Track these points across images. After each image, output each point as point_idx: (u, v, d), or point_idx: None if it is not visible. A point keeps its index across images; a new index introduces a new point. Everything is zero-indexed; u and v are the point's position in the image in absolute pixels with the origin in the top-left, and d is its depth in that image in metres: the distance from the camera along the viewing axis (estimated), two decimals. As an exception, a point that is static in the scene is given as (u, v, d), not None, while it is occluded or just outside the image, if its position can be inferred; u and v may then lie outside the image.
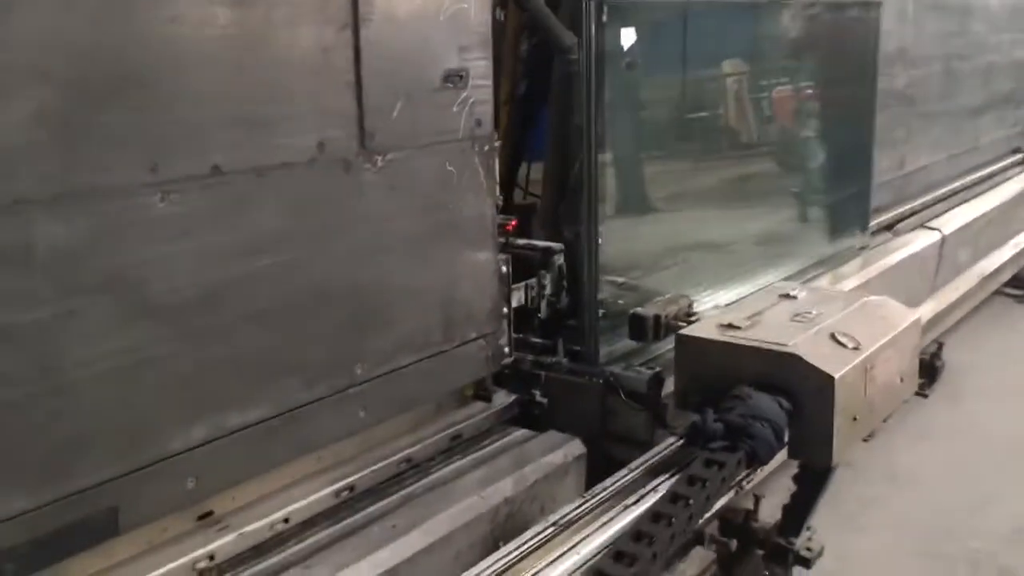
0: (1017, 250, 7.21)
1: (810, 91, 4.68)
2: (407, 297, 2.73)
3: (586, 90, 3.05)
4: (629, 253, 3.73)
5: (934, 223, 5.95)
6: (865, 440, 2.92)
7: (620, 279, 3.63)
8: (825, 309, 3.03)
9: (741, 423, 2.51)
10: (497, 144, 2.98)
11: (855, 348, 2.77)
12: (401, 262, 2.69)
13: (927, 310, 5.81)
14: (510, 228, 3.38)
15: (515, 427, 3.17)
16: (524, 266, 3.42)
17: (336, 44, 2.40)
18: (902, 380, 3.01)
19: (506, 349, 3.13)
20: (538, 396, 3.21)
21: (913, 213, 6.00)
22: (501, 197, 3.08)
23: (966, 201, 6.62)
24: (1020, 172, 7.72)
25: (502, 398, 3.20)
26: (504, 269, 3.09)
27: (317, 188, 2.41)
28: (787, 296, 3.18)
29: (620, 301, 3.40)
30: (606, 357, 3.36)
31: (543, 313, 3.34)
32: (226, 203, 2.21)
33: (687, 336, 2.92)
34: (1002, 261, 6.95)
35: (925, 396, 5.95)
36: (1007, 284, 7.67)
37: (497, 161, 2.99)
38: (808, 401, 2.63)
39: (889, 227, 5.75)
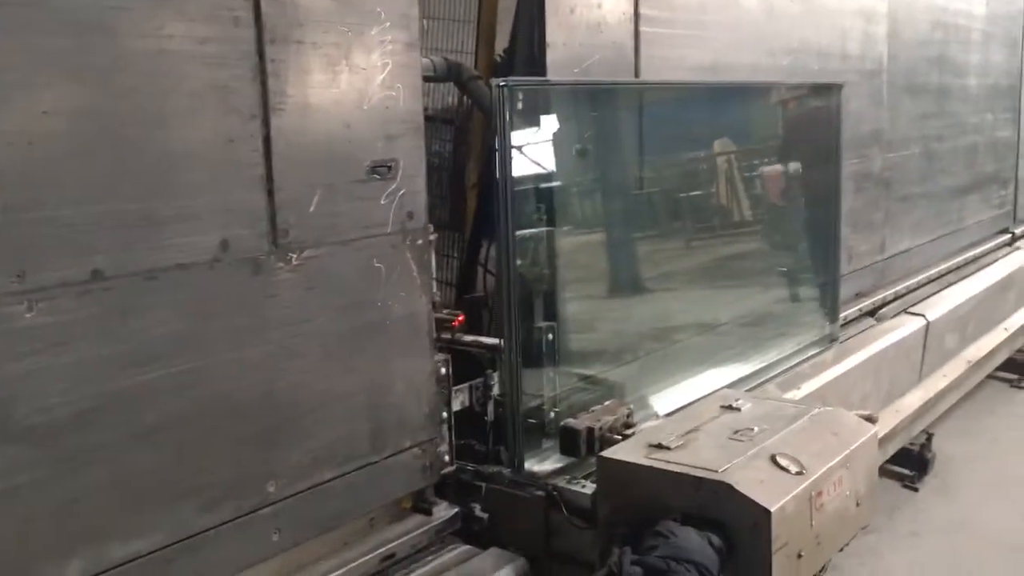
0: (1008, 334, 6.99)
1: (769, 175, 4.53)
2: (328, 406, 2.50)
3: (500, 176, 2.86)
4: (590, 344, 3.55)
5: (918, 308, 5.75)
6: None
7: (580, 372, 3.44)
8: (769, 424, 2.77)
9: (662, 567, 2.23)
10: (433, 237, 2.79)
11: (798, 473, 2.50)
12: (321, 368, 2.47)
13: (914, 399, 5.59)
14: (456, 324, 3.18)
15: (457, 542, 2.91)
16: (475, 365, 3.21)
17: (242, 135, 2.22)
18: (858, 504, 2.72)
19: (446, 457, 2.89)
20: (478, 510, 2.94)
21: (897, 298, 5.81)
22: (437, 293, 2.87)
23: (952, 284, 6.43)
24: (1010, 253, 7.56)
25: (443, 511, 2.93)
26: (443, 371, 2.86)
27: (220, 291, 2.21)
28: (729, 408, 2.92)
29: (551, 410, 3.15)
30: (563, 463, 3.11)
31: (490, 416, 3.10)
32: (109, 311, 2.00)
33: (609, 459, 2.65)
34: (993, 345, 6.72)
35: (915, 489, 5.70)
36: (1001, 368, 7.45)
37: (433, 255, 2.79)
38: (742, 537, 2.35)
39: (872, 313, 5.55)
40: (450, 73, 3.38)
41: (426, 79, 3.14)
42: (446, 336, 3.06)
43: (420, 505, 2.91)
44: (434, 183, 4.28)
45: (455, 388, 2.97)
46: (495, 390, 3.11)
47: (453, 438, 2.92)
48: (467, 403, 3.06)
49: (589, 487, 2.82)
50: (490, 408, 3.11)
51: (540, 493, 2.91)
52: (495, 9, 3.80)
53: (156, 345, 2.09)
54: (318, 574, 2.54)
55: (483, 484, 2.97)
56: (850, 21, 5.10)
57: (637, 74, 3.57)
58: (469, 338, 3.21)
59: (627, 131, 3.73)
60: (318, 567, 2.57)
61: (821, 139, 4.72)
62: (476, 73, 3.53)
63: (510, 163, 2.90)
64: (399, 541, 2.78)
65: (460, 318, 3.17)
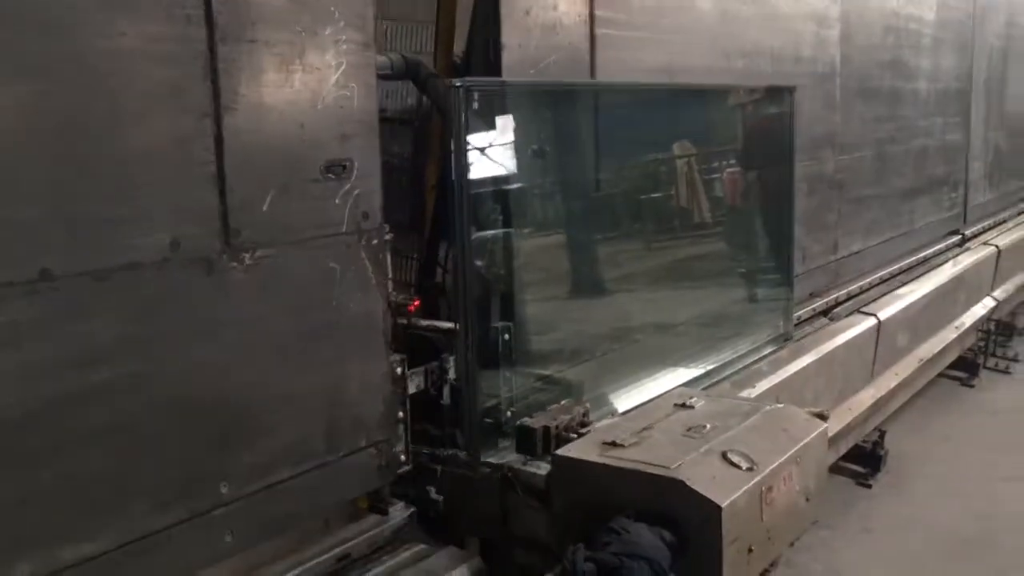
0: (958, 333, 7.13)
1: (723, 176, 4.60)
2: (282, 405, 2.49)
3: (456, 177, 2.88)
4: (546, 344, 3.57)
5: (870, 308, 5.85)
6: (766, 571, 2.68)
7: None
8: (721, 422, 2.81)
9: (615, 563, 2.26)
10: (388, 237, 2.79)
11: (749, 468, 2.54)
12: (274, 368, 2.46)
13: (867, 397, 5.68)
14: (412, 308, 3.17)
15: (413, 542, 2.90)
16: (431, 349, 3.20)
17: (194, 134, 2.21)
18: (808, 500, 2.78)
19: (402, 457, 2.89)
20: (433, 493, 2.94)
21: (850, 298, 5.90)
22: (394, 293, 2.86)
23: (904, 285, 6.54)
24: (958, 254, 7.70)
25: (400, 511, 2.93)
26: (399, 370, 2.86)
27: (170, 290, 2.19)
28: (683, 406, 2.96)
29: (508, 409, 3.16)
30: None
31: (446, 400, 3.10)
32: (58, 311, 1.97)
33: (563, 457, 2.68)
34: (943, 344, 6.85)
35: (869, 486, 5.80)
36: (952, 367, 7.60)
37: (388, 255, 2.79)
38: (694, 532, 2.39)
39: (825, 313, 5.63)
40: (408, 71, 3.38)
41: (384, 77, 3.14)
42: (402, 321, 3.05)
43: (376, 505, 2.90)
44: (394, 184, 4.28)
45: (411, 371, 2.96)
46: (451, 374, 3.11)
47: (409, 438, 2.91)
48: (422, 386, 3.05)
49: (544, 468, 2.83)
50: (446, 392, 3.10)
51: (495, 475, 2.91)
52: (453, 11, 3.81)
53: (106, 345, 2.07)
54: (277, 573, 2.53)
55: (439, 467, 2.97)
56: (803, 25, 5.18)
57: (593, 75, 3.60)
58: (425, 322, 3.21)
59: (582, 132, 3.76)
60: (273, 568, 2.55)
61: (775, 141, 4.79)
62: (434, 71, 3.53)
63: (466, 164, 2.92)
64: (355, 541, 2.77)
65: (416, 303, 3.17)
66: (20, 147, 1.89)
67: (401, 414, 2.88)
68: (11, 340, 1.90)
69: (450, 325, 3.12)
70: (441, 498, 2.96)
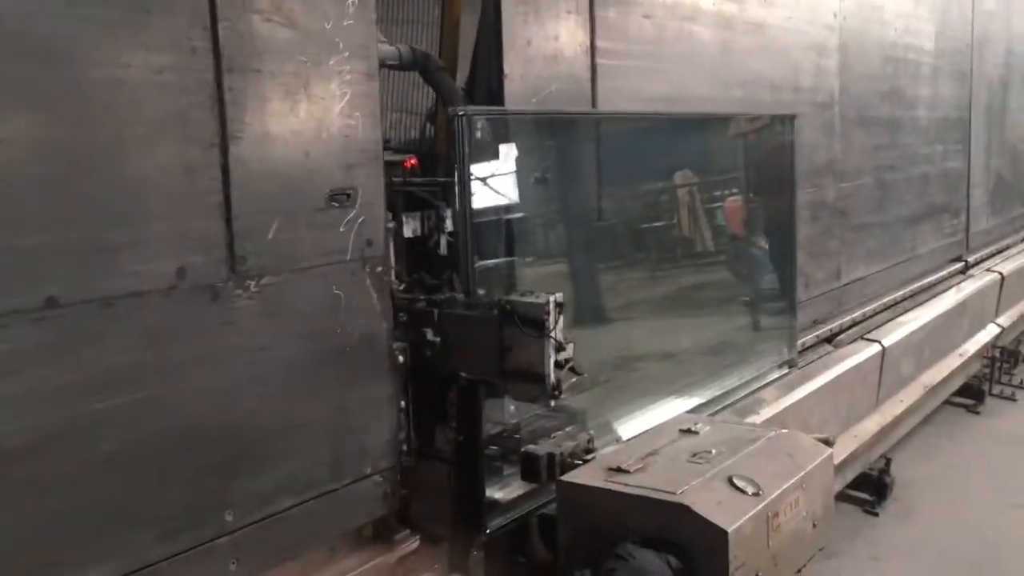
0: (963, 360, 7.11)
1: (724, 204, 4.63)
2: (287, 433, 2.49)
3: (460, 204, 2.91)
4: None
5: (874, 335, 5.84)
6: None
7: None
8: (727, 447, 2.81)
9: None
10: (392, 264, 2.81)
11: (755, 494, 2.54)
12: (279, 395, 2.46)
13: (872, 424, 5.66)
14: (408, 166, 3.15)
15: (418, 572, 2.90)
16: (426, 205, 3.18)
17: (200, 163, 2.24)
18: (815, 526, 2.77)
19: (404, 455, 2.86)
20: (430, 335, 2.88)
21: (854, 324, 5.90)
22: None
23: (907, 311, 6.54)
24: (962, 281, 7.71)
25: (405, 538, 2.92)
26: (403, 403, 2.86)
27: (177, 318, 2.21)
28: (688, 431, 2.96)
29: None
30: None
31: (443, 249, 3.08)
32: (63, 338, 1.99)
33: (568, 483, 2.68)
34: (948, 371, 6.84)
35: (875, 514, 5.76)
36: (958, 394, 7.58)
37: (392, 282, 2.81)
38: (700, 558, 2.38)
39: (829, 339, 5.63)
40: (416, 62, 3.36)
41: (391, 67, 3.15)
42: (397, 179, 3.01)
43: (381, 533, 2.90)
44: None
45: (406, 215, 2.96)
46: (447, 224, 3.09)
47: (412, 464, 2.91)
48: (418, 232, 3.05)
49: (543, 297, 2.74)
50: (443, 241, 3.09)
51: (494, 310, 2.83)
52: (456, 42, 3.85)
53: (112, 373, 2.08)
54: (277, 604, 2.52)
55: (435, 310, 2.91)
56: (802, 55, 5.22)
57: (594, 104, 3.63)
58: (421, 179, 3.18)
59: (583, 161, 3.79)
60: (277, 597, 2.55)
61: (776, 169, 4.81)
62: (442, 64, 3.52)
63: (469, 192, 2.94)
64: (360, 569, 2.76)
65: (413, 160, 3.14)
66: (27, 176, 1.92)
67: (406, 446, 2.87)
68: (17, 367, 1.91)
69: (447, 179, 3.06)
70: (438, 339, 2.89)
